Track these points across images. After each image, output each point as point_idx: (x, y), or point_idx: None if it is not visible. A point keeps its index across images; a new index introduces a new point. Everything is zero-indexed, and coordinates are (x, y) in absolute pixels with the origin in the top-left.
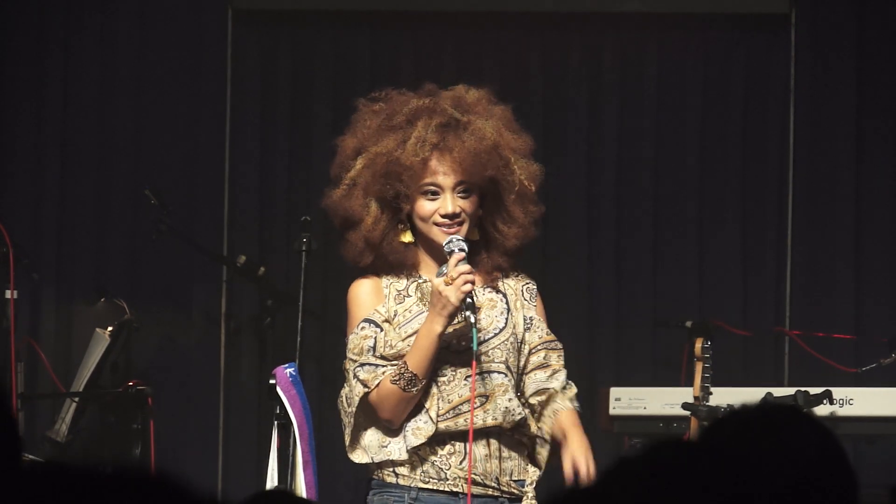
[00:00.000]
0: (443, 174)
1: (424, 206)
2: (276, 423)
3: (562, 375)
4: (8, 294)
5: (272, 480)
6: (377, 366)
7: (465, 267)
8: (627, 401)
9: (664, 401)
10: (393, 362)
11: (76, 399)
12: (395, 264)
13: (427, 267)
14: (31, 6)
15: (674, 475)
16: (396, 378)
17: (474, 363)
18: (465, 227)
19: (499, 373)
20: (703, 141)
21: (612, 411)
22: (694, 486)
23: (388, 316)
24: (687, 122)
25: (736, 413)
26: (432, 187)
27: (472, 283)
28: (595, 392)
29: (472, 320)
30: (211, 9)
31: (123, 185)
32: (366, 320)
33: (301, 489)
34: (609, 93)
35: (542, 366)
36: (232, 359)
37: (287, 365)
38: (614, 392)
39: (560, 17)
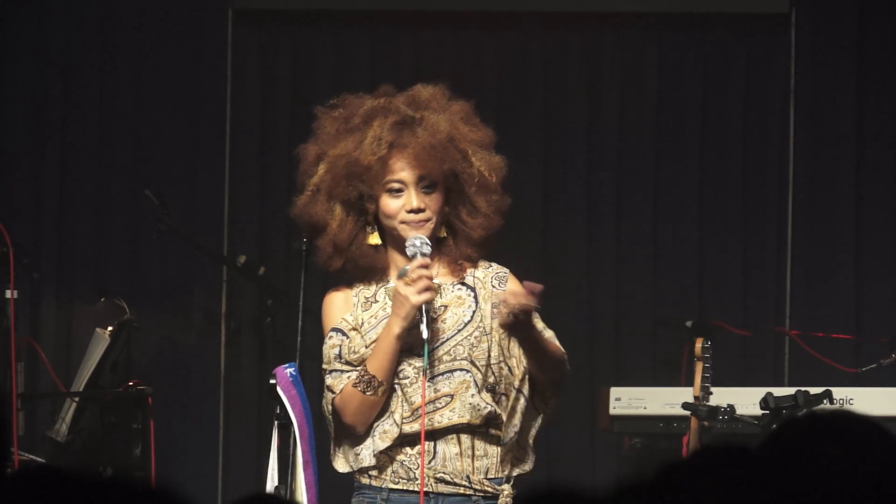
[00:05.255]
0: (403, 170)
1: (389, 203)
2: (276, 423)
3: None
4: (8, 294)
5: (272, 480)
6: (342, 371)
7: (426, 271)
8: (627, 401)
9: (664, 401)
10: (358, 368)
11: (76, 399)
12: (366, 268)
13: (396, 269)
14: (31, 4)
15: (737, 482)
16: (357, 381)
17: (424, 378)
18: (430, 225)
19: (461, 370)
20: (703, 141)
21: (612, 411)
22: (759, 494)
23: (356, 324)
24: (687, 122)
25: (802, 419)
26: (396, 184)
27: (432, 288)
28: (595, 392)
29: (425, 336)
30: (211, 9)
31: (123, 185)
32: (333, 329)
33: (301, 489)
34: (609, 93)
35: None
36: (232, 359)
37: (287, 365)
38: (614, 392)
39: (560, 17)
